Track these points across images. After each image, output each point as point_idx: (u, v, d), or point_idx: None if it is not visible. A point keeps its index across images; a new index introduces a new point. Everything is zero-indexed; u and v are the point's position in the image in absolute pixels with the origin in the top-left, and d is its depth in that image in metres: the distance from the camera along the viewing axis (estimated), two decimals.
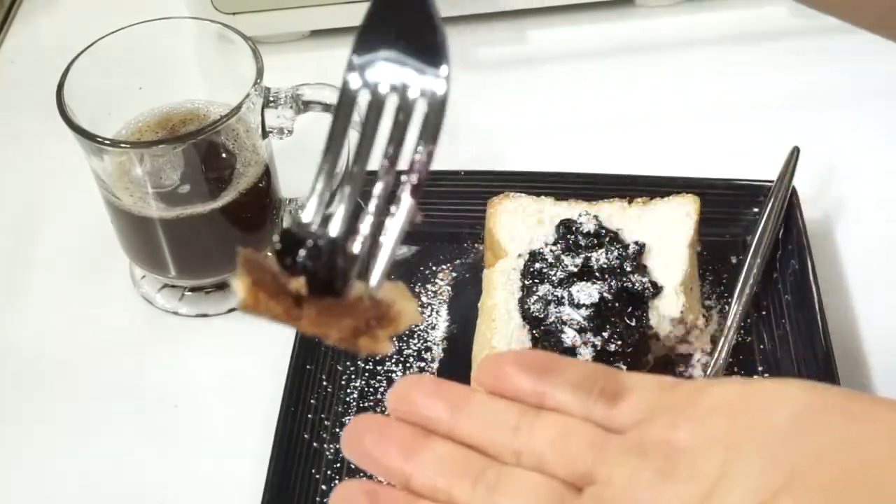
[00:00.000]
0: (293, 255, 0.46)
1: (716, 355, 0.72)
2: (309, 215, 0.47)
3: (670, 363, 0.73)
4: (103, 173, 0.72)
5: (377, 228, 0.48)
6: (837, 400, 0.42)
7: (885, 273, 0.80)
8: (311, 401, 0.71)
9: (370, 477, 0.67)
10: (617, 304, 0.70)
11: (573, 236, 0.74)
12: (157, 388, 0.75)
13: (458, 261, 0.81)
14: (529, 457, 0.45)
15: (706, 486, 0.41)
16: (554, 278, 0.72)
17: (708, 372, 0.72)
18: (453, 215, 0.82)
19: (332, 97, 0.73)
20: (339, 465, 0.69)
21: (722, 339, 0.73)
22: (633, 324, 0.70)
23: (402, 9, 0.48)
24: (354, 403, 0.72)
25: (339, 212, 0.47)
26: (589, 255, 0.73)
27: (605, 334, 0.69)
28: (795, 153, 0.80)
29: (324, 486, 0.68)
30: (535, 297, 0.71)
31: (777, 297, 0.76)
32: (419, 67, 0.47)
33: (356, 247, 0.47)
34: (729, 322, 0.73)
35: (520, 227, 0.76)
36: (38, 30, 1.07)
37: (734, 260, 0.79)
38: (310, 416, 0.70)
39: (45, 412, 0.74)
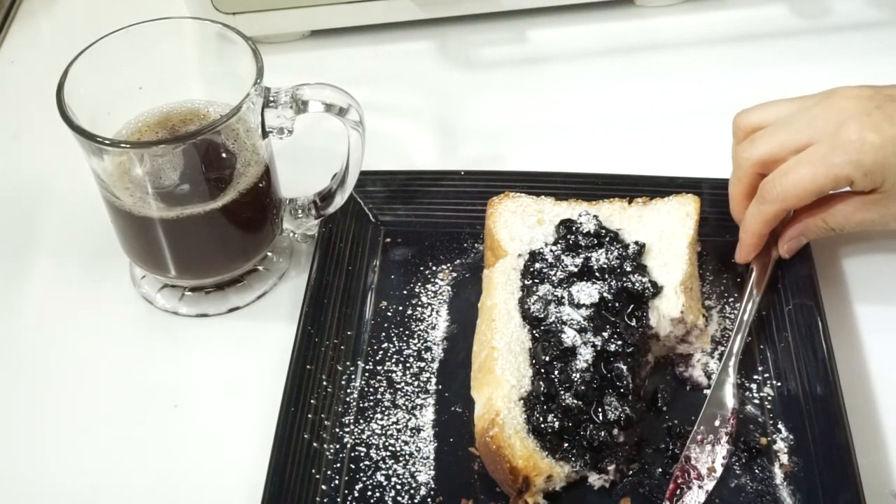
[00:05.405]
0: None
1: (724, 357, 0.72)
2: None
3: (670, 363, 0.73)
4: (103, 173, 0.72)
5: None
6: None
7: (884, 272, 0.80)
8: (311, 401, 0.71)
9: (370, 477, 0.68)
10: (617, 304, 0.70)
11: (573, 236, 0.74)
12: (157, 388, 0.75)
13: (458, 261, 0.81)
14: None
15: None
16: (554, 278, 0.72)
17: (714, 377, 0.72)
18: (453, 215, 0.82)
19: (332, 97, 0.73)
20: (339, 465, 0.69)
21: (732, 336, 0.73)
22: (633, 324, 0.70)
23: None
24: (354, 403, 0.72)
25: None
26: (589, 255, 0.73)
27: (605, 334, 0.69)
28: None
29: (324, 486, 0.68)
30: (535, 297, 0.71)
31: (777, 298, 0.76)
32: None
33: None
34: (737, 323, 0.74)
35: (520, 227, 0.76)
36: (38, 30, 1.07)
37: (734, 260, 0.79)
38: (310, 416, 0.70)
39: (46, 411, 0.74)
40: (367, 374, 0.74)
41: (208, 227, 0.74)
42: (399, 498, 0.67)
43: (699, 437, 0.68)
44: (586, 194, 0.79)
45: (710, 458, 0.67)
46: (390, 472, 0.68)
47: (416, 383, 0.73)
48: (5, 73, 1.01)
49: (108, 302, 0.81)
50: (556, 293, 0.71)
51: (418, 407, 0.72)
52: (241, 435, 0.72)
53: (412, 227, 0.83)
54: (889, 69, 0.92)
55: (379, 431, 0.70)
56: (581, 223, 0.75)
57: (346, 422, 0.71)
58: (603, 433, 0.66)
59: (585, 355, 0.68)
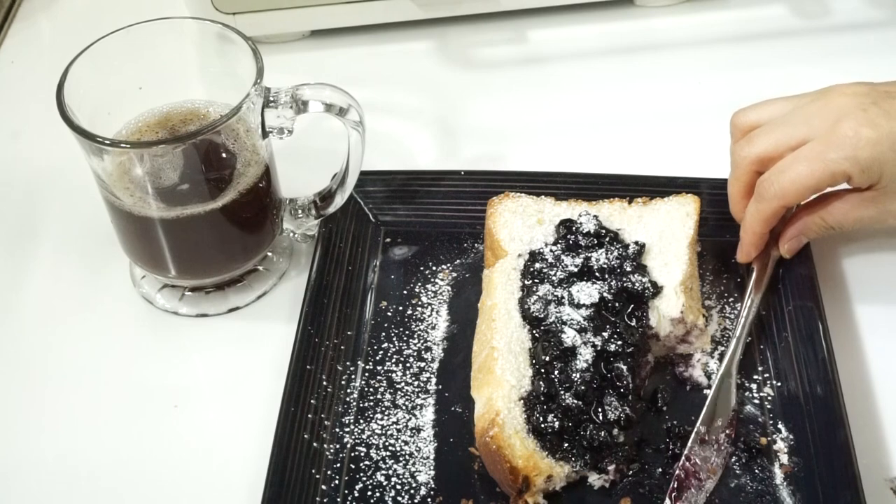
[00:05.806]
0: None
1: (724, 357, 0.73)
2: None
3: (670, 363, 0.73)
4: (103, 173, 0.72)
5: None
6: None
7: (884, 272, 0.80)
8: (311, 401, 0.71)
9: (370, 477, 0.67)
10: (617, 304, 0.70)
11: (573, 236, 0.74)
12: (157, 388, 0.75)
13: (458, 261, 0.81)
14: None
15: None
16: (554, 278, 0.72)
17: (714, 377, 0.72)
18: (453, 215, 0.82)
19: (332, 97, 0.73)
20: (339, 465, 0.69)
21: (732, 336, 0.73)
22: (633, 324, 0.70)
23: None
24: (354, 403, 0.72)
25: None
26: (589, 255, 0.73)
27: (605, 334, 0.69)
28: None
29: (324, 486, 0.68)
30: (535, 297, 0.71)
31: (777, 298, 0.76)
32: None
33: None
34: (737, 323, 0.74)
35: (520, 227, 0.76)
36: (38, 30, 1.07)
37: (734, 260, 0.79)
38: (310, 416, 0.70)
39: (45, 411, 0.74)
40: (367, 374, 0.74)
41: (208, 227, 0.74)
42: (399, 498, 0.67)
43: (699, 437, 0.68)
44: (586, 194, 0.79)
45: (710, 458, 0.67)
46: (390, 472, 0.68)
47: (416, 383, 0.73)
48: (5, 73, 1.01)
49: (108, 302, 0.81)
50: (556, 293, 0.71)
51: (418, 407, 0.72)
52: (241, 435, 0.72)
53: (412, 227, 0.83)
54: (889, 69, 0.92)
55: (379, 431, 0.70)
56: (581, 223, 0.75)
57: (346, 422, 0.71)
58: (603, 433, 0.66)
59: (585, 355, 0.68)
